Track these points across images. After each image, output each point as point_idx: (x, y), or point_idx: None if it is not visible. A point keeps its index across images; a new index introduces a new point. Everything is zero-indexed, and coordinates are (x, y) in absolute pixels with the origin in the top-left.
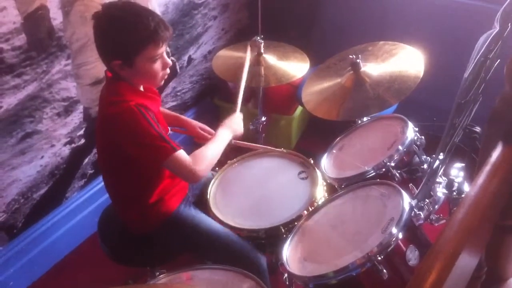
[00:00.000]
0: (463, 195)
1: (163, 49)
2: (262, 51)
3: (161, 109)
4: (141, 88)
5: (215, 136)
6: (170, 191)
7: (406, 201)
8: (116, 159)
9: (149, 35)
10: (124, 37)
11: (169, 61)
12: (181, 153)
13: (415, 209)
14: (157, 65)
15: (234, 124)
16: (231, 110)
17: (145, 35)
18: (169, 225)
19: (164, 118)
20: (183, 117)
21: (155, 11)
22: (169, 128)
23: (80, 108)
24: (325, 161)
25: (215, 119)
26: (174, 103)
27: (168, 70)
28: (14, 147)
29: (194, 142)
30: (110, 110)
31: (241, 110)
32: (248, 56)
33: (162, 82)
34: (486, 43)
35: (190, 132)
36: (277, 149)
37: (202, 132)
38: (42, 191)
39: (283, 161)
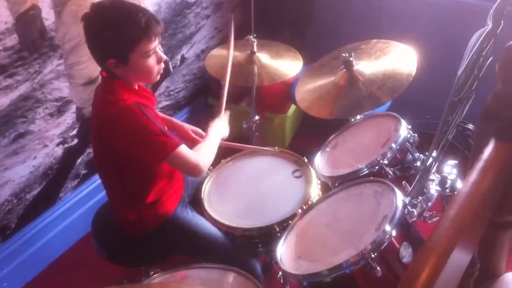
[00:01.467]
0: (456, 192)
1: (156, 44)
2: (255, 49)
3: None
4: (136, 87)
5: (208, 136)
6: (167, 192)
7: (400, 198)
8: (114, 159)
9: (141, 31)
10: (117, 35)
11: (163, 55)
12: (184, 148)
13: (408, 207)
14: (152, 60)
15: (221, 128)
16: (216, 113)
17: (137, 31)
18: (166, 228)
19: None
20: (176, 120)
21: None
22: (166, 128)
23: (73, 108)
24: (319, 160)
25: (208, 118)
26: (167, 103)
27: (163, 65)
28: (6, 148)
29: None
30: (108, 110)
31: (234, 110)
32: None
33: (159, 77)
34: (479, 41)
35: (183, 136)
36: (267, 148)
37: (195, 136)
38: (35, 192)
39: (277, 159)
